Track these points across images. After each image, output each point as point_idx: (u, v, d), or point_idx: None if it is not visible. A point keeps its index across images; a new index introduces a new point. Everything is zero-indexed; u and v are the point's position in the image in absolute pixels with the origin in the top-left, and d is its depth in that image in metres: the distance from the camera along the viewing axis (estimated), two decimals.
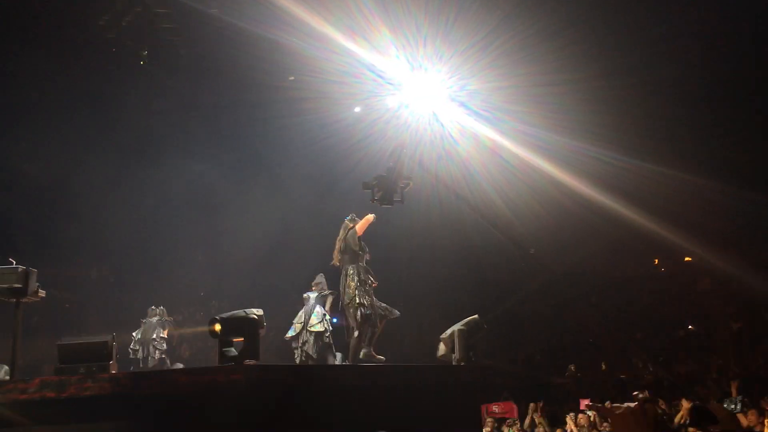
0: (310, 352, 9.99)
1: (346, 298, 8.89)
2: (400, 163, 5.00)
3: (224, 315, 6.93)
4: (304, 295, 10.87)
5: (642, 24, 16.26)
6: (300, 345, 10.19)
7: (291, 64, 17.09)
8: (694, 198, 17.35)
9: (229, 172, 19.83)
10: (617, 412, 8.40)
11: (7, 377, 7.51)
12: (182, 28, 16.86)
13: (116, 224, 18.52)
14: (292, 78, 19.34)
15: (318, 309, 10.52)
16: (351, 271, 8.84)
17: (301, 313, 10.50)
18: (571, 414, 10.84)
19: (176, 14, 16.31)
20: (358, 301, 8.67)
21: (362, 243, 8.95)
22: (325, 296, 10.83)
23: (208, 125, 19.36)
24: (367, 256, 8.96)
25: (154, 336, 12.21)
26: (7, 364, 8.47)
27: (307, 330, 10.22)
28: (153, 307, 13.33)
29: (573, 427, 10.05)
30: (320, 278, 11.13)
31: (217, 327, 6.83)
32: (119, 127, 18.55)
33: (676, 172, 17.27)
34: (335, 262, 9.15)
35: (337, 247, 9.04)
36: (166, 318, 13.42)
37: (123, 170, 19.34)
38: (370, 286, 8.79)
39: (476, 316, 9.18)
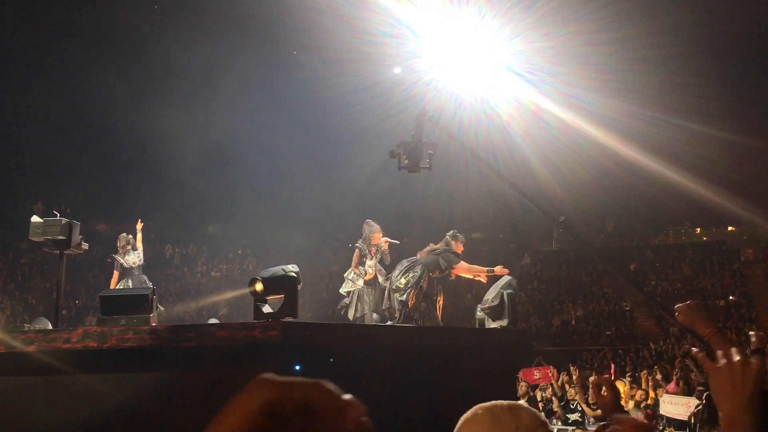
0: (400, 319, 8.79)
1: (397, 283, 8.51)
2: (420, 128, 4.83)
3: (264, 273, 6.85)
4: (356, 246, 9.53)
5: None
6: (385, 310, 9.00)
7: (331, 24, 16.86)
8: (743, 159, 16.83)
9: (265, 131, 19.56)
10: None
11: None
12: None
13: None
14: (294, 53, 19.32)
15: (374, 264, 9.25)
16: (420, 271, 8.44)
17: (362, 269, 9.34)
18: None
19: None
20: (402, 294, 8.39)
21: (447, 272, 8.48)
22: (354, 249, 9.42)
23: (247, 81, 19.24)
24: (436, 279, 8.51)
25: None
26: (51, 313, 8.67)
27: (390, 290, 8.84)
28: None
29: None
30: (367, 227, 9.38)
31: (259, 286, 6.77)
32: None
33: (724, 133, 16.74)
34: (420, 254, 8.59)
35: (429, 247, 8.52)
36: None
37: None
38: (424, 293, 8.41)
39: (511, 277, 8.73)
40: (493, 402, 1.41)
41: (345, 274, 9.62)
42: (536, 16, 16.04)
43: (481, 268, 8.76)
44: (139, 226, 10.23)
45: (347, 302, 9.38)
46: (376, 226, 9.31)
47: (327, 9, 16.24)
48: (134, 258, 9.88)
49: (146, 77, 18.64)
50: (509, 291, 8.18)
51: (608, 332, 18.32)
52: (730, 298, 18.98)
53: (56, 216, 7.50)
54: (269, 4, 16.86)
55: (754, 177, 17.07)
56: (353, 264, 9.40)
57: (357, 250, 9.38)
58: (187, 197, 19.28)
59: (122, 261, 9.79)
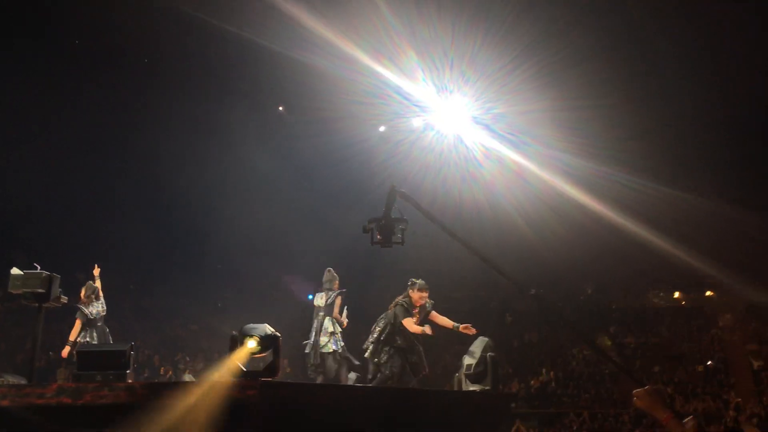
0: (327, 375, 9.17)
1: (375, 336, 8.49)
2: (390, 206, 4.93)
3: (252, 331, 6.76)
4: (315, 299, 9.64)
5: (668, 53, 16.19)
6: (313, 364, 9.29)
7: (318, 84, 17.17)
8: (722, 226, 17.14)
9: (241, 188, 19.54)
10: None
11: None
12: (212, 47, 17.04)
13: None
14: (281, 108, 19.62)
15: (327, 323, 9.32)
16: (382, 324, 8.47)
17: (312, 328, 9.43)
18: None
19: (205, 35, 16.47)
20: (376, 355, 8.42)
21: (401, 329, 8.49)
22: (332, 302, 9.43)
23: (227, 141, 19.39)
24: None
25: None
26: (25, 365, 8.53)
27: (318, 351, 9.23)
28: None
29: None
30: (328, 275, 9.64)
31: (252, 344, 6.65)
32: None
33: (702, 199, 17.12)
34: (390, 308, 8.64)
35: (395, 300, 8.56)
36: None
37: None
38: (399, 348, 8.40)
39: (483, 338, 8.75)
40: None
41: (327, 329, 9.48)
42: (518, 80, 16.49)
43: (449, 322, 8.75)
44: (96, 272, 9.98)
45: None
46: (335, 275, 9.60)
47: (312, 70, 16.55)
48: (98, 308, 9.70)
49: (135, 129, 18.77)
50: (491, 354, 8.23)
51: (587, 395, 18.27)
52: (709, 363, 19.06)
53: (37, 268, 7.47)
54: (253, 63, 17.18)
55: (734, 244, 17.38)
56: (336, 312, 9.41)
57: (339, 297, 9.44)
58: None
59: (87, 312, 9.63)
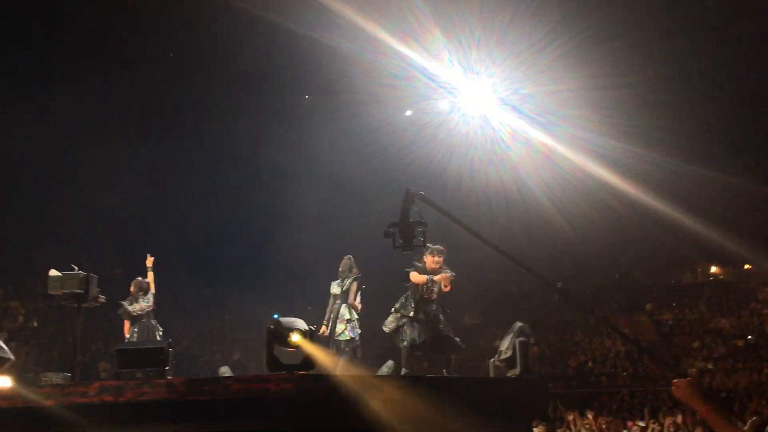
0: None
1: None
2: (406, 210, 4.84)
3: (289, 323, 6.78)
4: (332, 287, 9.33)
5: (705, 26, 15.76)
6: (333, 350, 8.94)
7: (344, 67, 17.08)
8: (756, 205, 16.81)
9: (276, 175, 19.58)
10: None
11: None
12: (238, 32, 17.06)
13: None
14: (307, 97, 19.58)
15: (343, 310, 9.08)
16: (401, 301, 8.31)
17: (328, 317, 9.20)
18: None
19: (230, 18, 16.49)
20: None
21: (431, 286, 8.25)
22: (347, 288, 9.13)
23: (257, 128, 19.45)
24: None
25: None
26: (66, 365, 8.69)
27: (334, 339, 8.98)
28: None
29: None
30: (346, 263, 9.25)
31: (296, 337, 6.68)
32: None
33: (736, 179, 16.74)
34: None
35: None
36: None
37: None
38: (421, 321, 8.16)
39: (519, 323, 8.66)
40: None
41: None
42: (546, 60, 16.22)
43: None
44: (149, 262, 9.83)
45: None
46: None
47: (339, 54, 16.46)
48: (143, 304, 9.57)
49: (161, 122, 18.95)
50: (520, 339, 8.17)
51: (625, 373, 18.13)
52: (748, 337, 18.76)
53: (74, 269, 7.60)
54: (279, 51, 17.17)
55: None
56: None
57: (355, 283, 9.12)
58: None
59: (128, 309, 9.61)
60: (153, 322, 9.58)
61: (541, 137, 17.74)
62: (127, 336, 9.49)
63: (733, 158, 17.22)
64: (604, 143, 17.04)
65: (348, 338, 8.99)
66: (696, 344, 18.92)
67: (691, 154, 16.82)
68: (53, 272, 7.54)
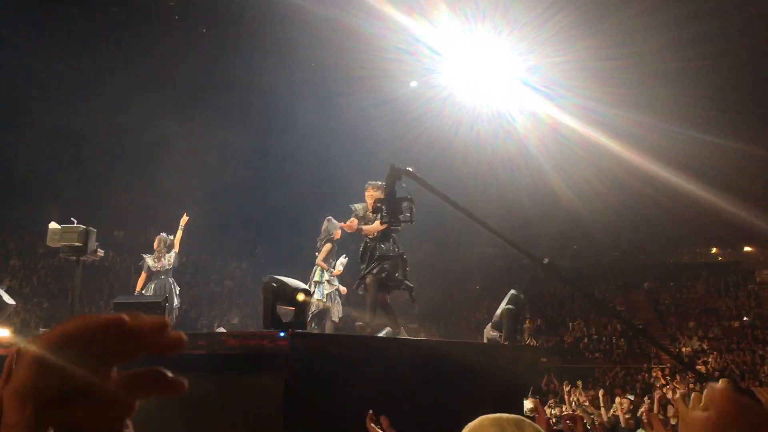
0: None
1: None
2: (390, 185, 4.78)
3: (291, 283, 6.80)
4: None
5: None
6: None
7: (348, 42, 16.96)
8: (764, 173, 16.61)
9: (279, 150, 19.48)
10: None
11: None
12: (242, 5, 16.98)
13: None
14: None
15: (314, 272, 8.85)
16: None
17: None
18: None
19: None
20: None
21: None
22: (320, 248, 8.86)
23: (265, 101, 19.37)
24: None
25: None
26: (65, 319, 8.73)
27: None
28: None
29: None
30: (324, 224, 8.99)
31: (301, 297, 6.73)
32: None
33: (747, 145, 16.56)
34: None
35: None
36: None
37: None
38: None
39: (513, 291, 8.65)
40: (499, 414, 1.47)
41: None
42: (552, 31, 16.06)
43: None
44: (183, 221, 9.69)
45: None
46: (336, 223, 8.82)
47: (344, 28, 16.34)
48: (164, 261, 9.48)
49: (171, 93, 18.86)
50: (508, 306, 8.21)
51: (619, 350, 18.24)
52: (745, 319, 18.85)
53: (74, 223, 7.63)
54: (286, 23, 17.04)
55: None
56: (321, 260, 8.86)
57: (329, 244, 8.81)
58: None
59: (149, 263, 9.44)
60: (171, 280, 9.49)
61: (547, 109, 17.67)
62: (138, 290, 9.42)
63: (746, 125, 16.99)
64: (610, 112, 16.94)
65: (317, 298, 8.64)
66: (692, 324, 19.02)
67: (700, 122, 16.63)
68: (53, 225, 7.57)
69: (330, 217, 9.05)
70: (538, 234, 19.90)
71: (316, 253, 9.04)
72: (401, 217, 5.68)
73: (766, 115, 17.29)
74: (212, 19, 18.59)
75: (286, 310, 7.11)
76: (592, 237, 20.34)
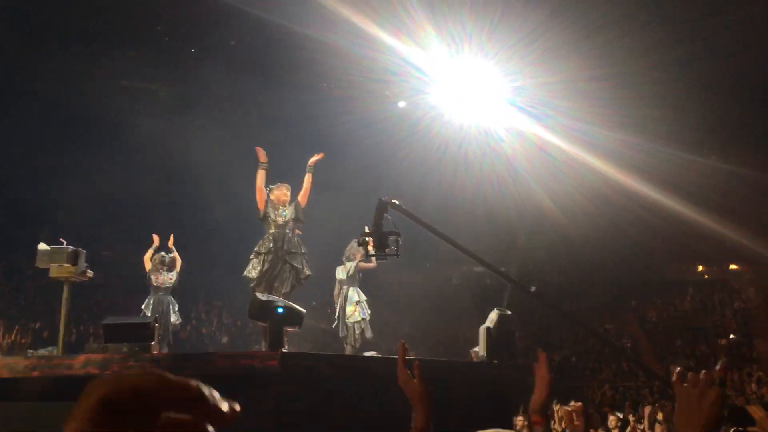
0: (355, 344, 9.05)
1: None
2: (379, 219, 4.89)
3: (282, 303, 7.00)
4: (337, 272, 9.56)
5: (693, 16, 15.83)
6: (341, 337, 9.22)
7: (336, 63, 17.15)
8: (751, 193, 16.82)
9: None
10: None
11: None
12: (232, 28, 17.14)
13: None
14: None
15: (351, 293, 9.27)
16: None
17: (336, 303, 9.45)
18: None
19: (225, 15, 16.53)
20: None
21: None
22: (353, 273, 9.41)
23: (252, 123, 19.44)
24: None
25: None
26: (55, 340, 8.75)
27: (344, 323, 9.17)
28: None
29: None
30: (351, 246, 9.44)
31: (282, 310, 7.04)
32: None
33: (730, 166, 16.82)
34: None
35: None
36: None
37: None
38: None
39: (496, 309, 8.79)
40: (490, 430, 1.52)
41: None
42: (538, 52, 16.32)
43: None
44: (170, 243, 10.00)
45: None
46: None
47: (332, 49, 16.53)
48: (164, 277, 9.66)
49: (161, 106, 18.92)
50: (486, 325, 8.38)
51: (608, 369, 18.29)
52: (731, 336, 18.96)
53: (63, 244, 7.66)
54: (273, 44, 17.22)
55: (763, 212, 17.07)
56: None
57: (361, 265, 9.39)
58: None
59: (150, 277, 9.64)
60: (170, 298, 9.63)
61: (534, 129, 17.89)
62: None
63: (729, 146, 17.27)
64: (596, 132, 17.19)
65: (359, 319, 9.19)
66: (678, 342, 19.12)
67: (684, 142, 16.90)
68: (42, 246, 7.60)
69: (356, 239, 9.34)
70: (526, 252, 20.04)
71: (340, 276, 9.47)
72: (387, 250, 5.81)
73: (751, 136, 17.55)
74: (198, 43, 18.70)
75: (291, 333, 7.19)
76: (579, 255, 20.49)
